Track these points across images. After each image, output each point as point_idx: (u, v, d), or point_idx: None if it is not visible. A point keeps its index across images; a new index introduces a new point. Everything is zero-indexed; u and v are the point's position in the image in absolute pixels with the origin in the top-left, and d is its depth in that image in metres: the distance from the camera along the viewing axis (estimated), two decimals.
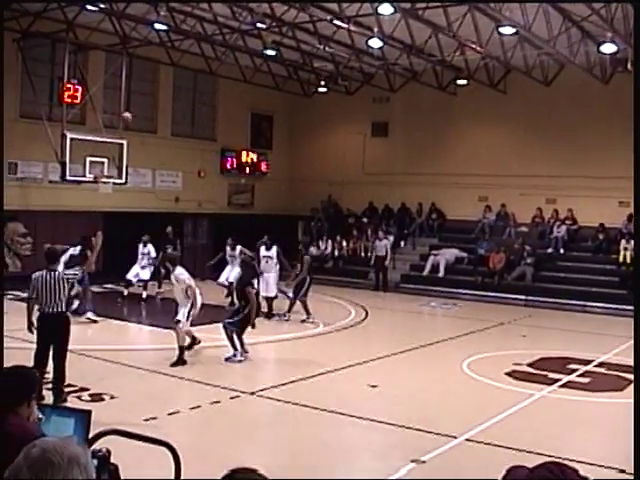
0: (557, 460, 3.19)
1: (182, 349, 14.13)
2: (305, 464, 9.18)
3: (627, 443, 10.55)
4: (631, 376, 14.81)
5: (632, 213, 29.18)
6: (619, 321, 23.03)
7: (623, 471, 9.13)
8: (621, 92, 28.56)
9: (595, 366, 15.54)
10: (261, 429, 10.64)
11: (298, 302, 20.49)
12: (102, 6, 22.93)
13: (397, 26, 23.91)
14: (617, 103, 28.75)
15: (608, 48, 23.82)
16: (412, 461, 9.12)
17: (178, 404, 11.35)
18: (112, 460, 4.24)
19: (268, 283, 20.67)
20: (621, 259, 28.21)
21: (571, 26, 24.00)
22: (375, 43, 24.90)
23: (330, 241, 32.61)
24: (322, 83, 33.77)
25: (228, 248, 23.10)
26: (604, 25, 21.89)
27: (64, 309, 11.46)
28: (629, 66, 25.83)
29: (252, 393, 12.05)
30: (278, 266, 21.53)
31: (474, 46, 24.82)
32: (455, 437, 10.25)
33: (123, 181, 25.69)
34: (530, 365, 15.18)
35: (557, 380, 14.10)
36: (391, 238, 30.89)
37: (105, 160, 24.84)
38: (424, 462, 9.17)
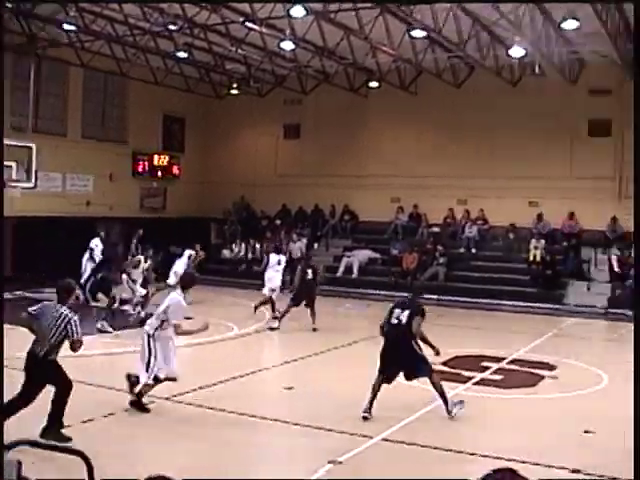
0: (488, 458, 3.20)
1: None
2: (221, 469, 9.08)
3: (540, 437, 10.78)
4: (542, 372, 15.14)
5: (541, 213, 29.84)
6: (530, 318, 23.48)
7: (537, 464, 9.29)
8: (529, 95, 29.23)
9: (508, 363, 15.79)
10: (177, 435, 10.50)
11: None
12: (9, 5, 22.42)
13: (309, 28, 23.95)
14: (525, 105, 29.39)
15: (516, 52, 24.26)
16: (329, 462, 9.11)
17: (91, 412, 11.12)
18: (23, 472, 4.11)
19: None
20: (531, 258, 28.81)
21: (480, 30, 24.38)
22: (287, 45, 24.92)
23: (243, 244, 32.48)
24: (234, 85, 33.73)
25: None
26: (513, 29, 22.28)
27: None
28: (537, 69, 26.37)
29: (167, 398, 11.88)
30: None
31: (386, 49, 25.05)
32: (371, 437, 10.28)
33: (32, 185, 25.13)
34: (444, 364, 15.28)
35: (471, 378, 14.29)
36: (305, 240, 30.94)
37: (13, 164, 24.25)
38: (341, 463, 9.17)
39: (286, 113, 34.78)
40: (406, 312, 11.92)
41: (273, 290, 21.84)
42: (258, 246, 32.46)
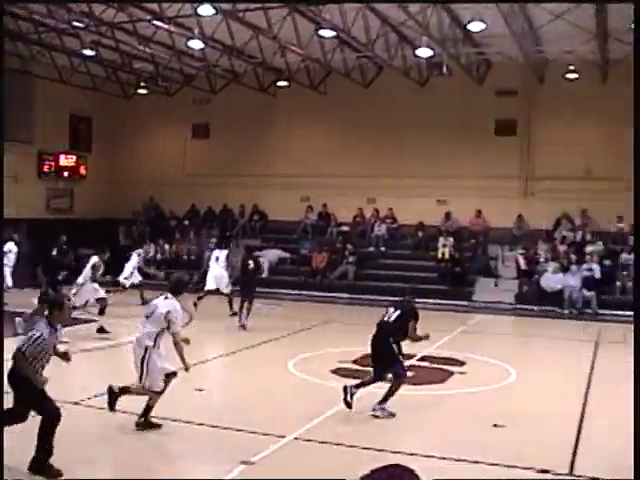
0: (384, 453, 3.21)
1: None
2: (130, 473, 8.95)
3: (451, 432, 10.91)
4: (452, 368, 15.33)
5: (450, 211, 30.26)
6: (439, 315, 23.73)
7: (444, 458, 9.41)
8: (437, 95, 29.62)
9: (418, 360, 15.93)
10: (86, 439, 10.30)
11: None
12: None
13: (218, 27, 23.84)
14: (433, 105, 29.77)
15: (424, 52, 24.54)
16: (242, 463, 9.05)
17: None
18: None
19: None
20: (440, 255, 29.23)
21: (389, 30, 24.59)
22: (196, 44, 24.75)
23: (152, 245, 32.11)
24: (142, 84, 33.31)
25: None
26: (420, 30, 22.52)
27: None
28: (444, 70, 26.72)
29: (76, 403, 11.65)
30: None
31: (294, 48, 25.07)
32: (284, 437, 10.25)
33: None
34: (355, 362, 15.39)
35: None
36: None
37: None
38: (253, 463, 9.12)
39: (195, 112, 34.53)
40: (397, 312, 12.15)
41: (227, 286, 22.41)
42: (167, 247, 32.17)
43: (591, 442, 10.64)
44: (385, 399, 11.61)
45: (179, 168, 34.63)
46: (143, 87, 33.50)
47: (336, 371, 14.65)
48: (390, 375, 11.91)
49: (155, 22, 23.77)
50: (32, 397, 8.83)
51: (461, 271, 28.35)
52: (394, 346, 11.94)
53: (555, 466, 9.30)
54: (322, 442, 10.12)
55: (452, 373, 14.95)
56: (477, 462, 9.41)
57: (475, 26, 22.77)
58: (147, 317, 10.83)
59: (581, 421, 11.55)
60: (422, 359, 16.18)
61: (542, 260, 27.84)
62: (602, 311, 25.60)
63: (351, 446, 9.93)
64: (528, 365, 16.67)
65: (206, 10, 21.38)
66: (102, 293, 18.94)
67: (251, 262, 20.97)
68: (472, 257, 29.25)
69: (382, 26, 24.19)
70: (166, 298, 10.86)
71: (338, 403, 11.72)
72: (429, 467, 8.76)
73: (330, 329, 21.60)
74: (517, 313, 26.30)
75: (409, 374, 14.53)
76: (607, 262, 27.23)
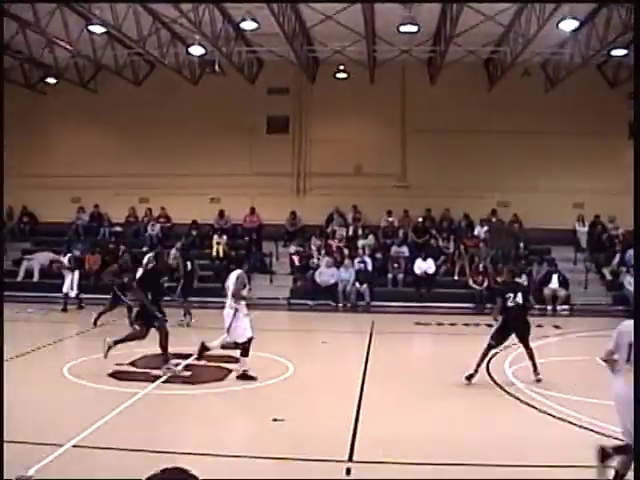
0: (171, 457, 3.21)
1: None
2: None
3: (233, 429, 10.95)
4: (230, 365, 15.34)
5: (223, 209, 30.40)
6: (216, 313, 23.63)
7: (224, 456, 9.45)
8: (210, 93, 29.67)
9: (196, 359, 15.91)
10: None
11: None
12: None
13: None
14: (206, 103, 29.78)
15: (196, 50, 24.53)
16: (17, 479, 8.68)
17: None
18: None
19: None
20: (214, 253, 29.29)
21: (161, 27, 24.40)
22: None
23: None
24: None
25: None
26: (193, 28, 22.49)
27: None
28: (217, 68, 26.81)
29: None
30: None
31: (63, 44, 24.36)
32: (61, 445, 9.93)
33: None
34: (132, 364, 15.18)
35: (159, 376, 14.22)
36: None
37: None
38: (30, 477, 8.78)
39: None
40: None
41: None
42: None
43: (369, 430, 10.98)
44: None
45: None
46: None
47: (114, 374, 14.36)
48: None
49: None
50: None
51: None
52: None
53: (334, 454, 9.54)
54: (104, 448, 9.88)
55: (230, 370, 14.99)
56: (258, 457, 9.51)
57: (248, 25, 23.00)
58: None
59: (358, 410, 11.89)
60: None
61: (315, 255, 28.49)
62: (375, 303, 26.53)
63: (132, 450, 9.77)
64: (305, 359, 17.00)
65: None
66: None
67: (189, 263, 22.51)
68: (247, 254, 29.51)
69: (154, 23, 23.96)
70: None
71: (117, 407, 11.52)
72: (208, 466, 8.78)
73: (107, 332, 21.10)
74: (293, 308, 26.79)
75: (187, 373, 14.55)
76: (378, 255, 28.25)
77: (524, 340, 14.37)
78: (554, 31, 22.76)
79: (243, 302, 14.55)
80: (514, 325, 14.31)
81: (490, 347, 14.28)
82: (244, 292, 14.62)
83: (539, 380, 13.94)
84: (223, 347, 14.65)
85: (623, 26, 21.68)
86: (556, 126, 29.68)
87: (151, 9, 22.94)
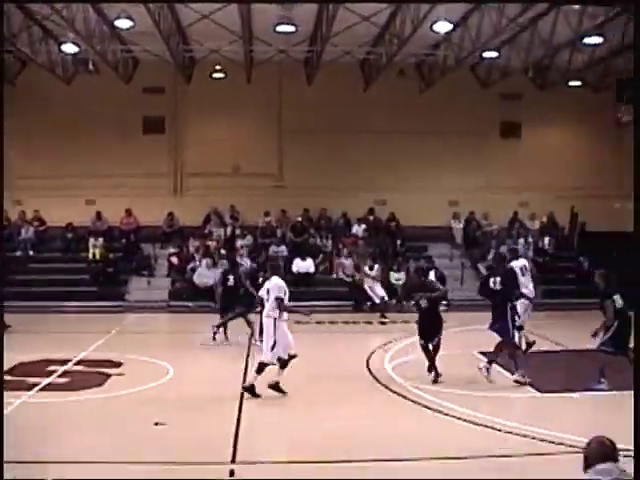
0: None
1: None
2: None
3: (115, 435, 10.74)
4: (109, 370, 15.10)
5: (100, 211, 29.80)
6: (94, 318, 23.42)
7: (105, 462, 9.29)
8: (84, 92, 29.06)
9: (74, 365, 15.59)
10: None
11: None
12: None
13: None
14: (80, 103, 29.18)
15: (69, 48, 24.04)
16: None
17: None
18: None
19: None
20: (91, 256, 28.74)
21: (33, 24, 23.80)
22: None
23: None
24: None
25: None
26: (65, 25, 22.02)
27: None
28: (90, 66, 26.34)
29: None
30: None
31: None
32: None
33: None
34: (9, 372, 14.71)
35: (36, 384, 13.82)
36: None
37: None
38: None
39: None
40: None
41: None
42: None
43: (251, 430, 10.96)
44: None
45: None
46: None
47: None
48: None
49: None
50: None
51: (114, 271, 28.10)
52: None
53: (217, 457, 9.50)
54: None
55: (109, 375, 14.73)
56: (140, 463, 9.33)
57: (122, 23, 22.66)
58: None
59: (240, 412, 11.87)
60: (77, 363, 15.86)
61: (194, 256, 28.25)
62: None
63: (18, 462, 9.37)
64: (185, 361, 16.81)
65: None
66: None
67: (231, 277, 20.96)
68: (124, 256, 29.07)
69: (25, 19, 23.33)
70: None
71: None
72: (85, 474, 8.67)
73: None
74: (172, 310, 26.52)
75: (65, 380, 14.19)
76: (255, 255, 28.24)
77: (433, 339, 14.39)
78: (428, 33, 23.23)
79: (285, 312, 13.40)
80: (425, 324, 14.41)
81: (423, 348, 14.39)
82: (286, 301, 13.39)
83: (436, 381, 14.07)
84: (282, 366, 13.13)
85: (494, 29, 22.34)
86: (431, 126, 30.31)
87: (23, 6, 22.31)
